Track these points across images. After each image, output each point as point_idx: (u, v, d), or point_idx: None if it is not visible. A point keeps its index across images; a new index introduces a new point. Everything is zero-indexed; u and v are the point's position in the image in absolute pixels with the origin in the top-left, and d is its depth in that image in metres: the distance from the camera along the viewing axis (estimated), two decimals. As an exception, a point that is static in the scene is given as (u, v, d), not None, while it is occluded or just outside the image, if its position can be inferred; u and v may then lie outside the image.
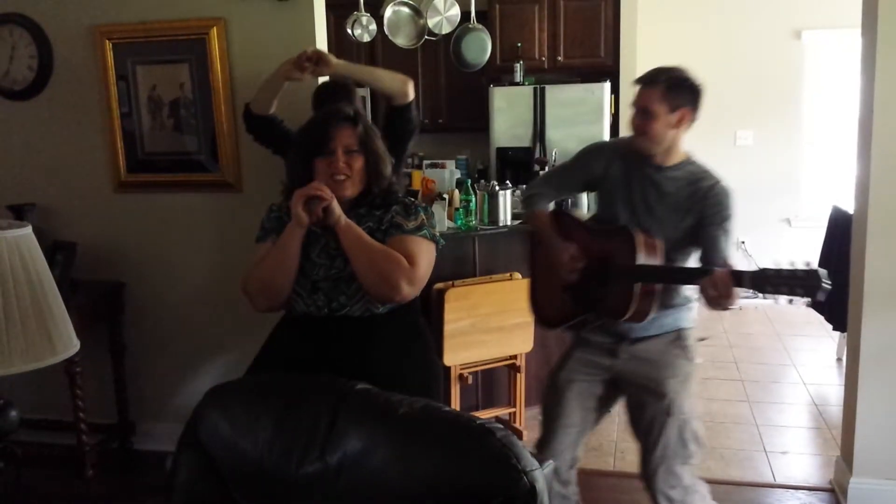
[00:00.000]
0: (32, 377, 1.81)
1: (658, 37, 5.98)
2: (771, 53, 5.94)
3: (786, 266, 1.92)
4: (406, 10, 4.60)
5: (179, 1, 3.23)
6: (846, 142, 4.98)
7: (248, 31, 3.20)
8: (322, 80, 2.99)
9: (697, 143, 2.34)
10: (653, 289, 2.16)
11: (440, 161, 5.42)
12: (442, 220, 3.61)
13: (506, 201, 3.74)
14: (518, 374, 3.62)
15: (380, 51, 6.06)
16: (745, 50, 5.96)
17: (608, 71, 5.71)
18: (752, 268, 1.98)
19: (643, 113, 2.16)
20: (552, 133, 5.58)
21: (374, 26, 4.77)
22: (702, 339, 2.44)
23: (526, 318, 3.53)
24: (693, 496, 2.37)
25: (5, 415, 1.91)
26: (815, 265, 1.91)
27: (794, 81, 6.04)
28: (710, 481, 3.15)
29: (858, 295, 2.88)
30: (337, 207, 1.98)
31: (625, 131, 5.69)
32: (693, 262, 2.28)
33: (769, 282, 1.92)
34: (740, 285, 1.96)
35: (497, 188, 3.76)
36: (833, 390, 4.30)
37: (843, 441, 3.11)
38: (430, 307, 3.30)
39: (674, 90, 2.13)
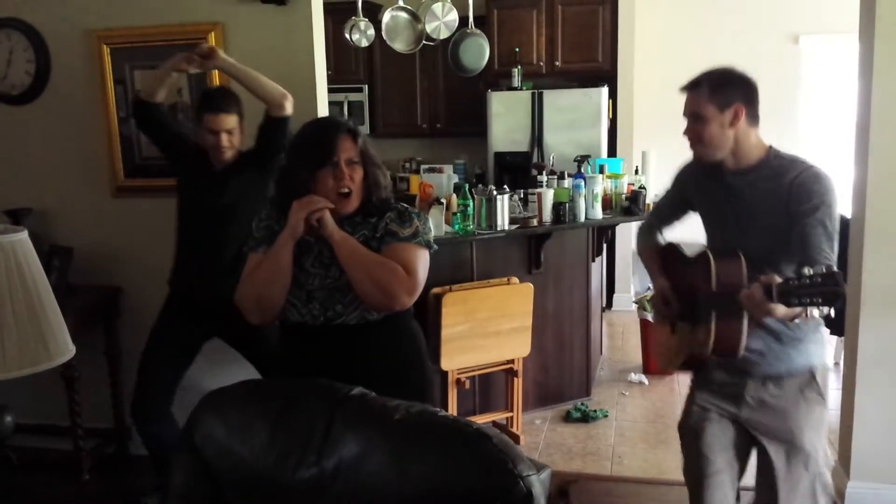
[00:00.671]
0: (28, 382, 1.80)
1: (655, 42, 6.00)
2: (769, 58, 5.94)
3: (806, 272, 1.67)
4: (404, 14, 4.61)
5: (178, 5, 3.23)
6: (843, 146, 4.99)
7: (246, 36, 3.20)
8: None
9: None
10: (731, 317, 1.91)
11: (438, 166, 5.42)
12: (439, 225, 3.61)
13: (503, 206, 3.74)
14: (515, 379, 3.62)
15: (378, 56, 6.08)
16: (742, 54, 5.90)
17: (606, 76, 5.72)
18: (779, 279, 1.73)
19: (694, 119, 2.03)
20: (550, 138, 5.59)
21: (372, 31, 4.78)
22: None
23: (523, 323, 3.54)
24: None
25: (1, 420, 1.91)
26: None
27: (792, 86, 6.05)
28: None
29: (856, 299, 2.88)
30: (331, 220, 1.98)
31: (622, 135, 5.76)
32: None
33: (793, 293, 1.66)
34: (771, 299, 1.71)
35: (495, 193, 3.76)
36: (830, 395, 4.27)
37: (841, 445, 3.10)
38: (427, 312, 3.30)
39: (719, 88, 1.99)
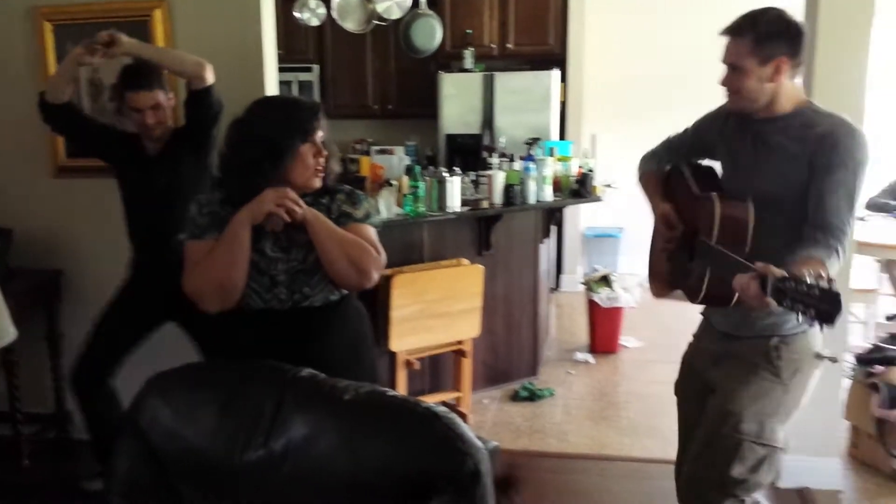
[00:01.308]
0: (-34, 366, 1.76)
1: (606, 26, 6.04)
2: (720, 43, 6.04)
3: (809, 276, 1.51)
4: (355, -7, 4.57)
5: (121, -20, 3.15)
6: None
7: (192, 14, 3.13)
8: (125, 62, 2.85)
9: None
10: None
11: (389, 147, 5.39)
12: (390, 207, 3.61)
13: (454, 188, 3.75)
14: (464, 359, 3.65)
15: (329, 35, 6.00)
16: (692, 40, 6.07)
17: (557, 59, 5.76)
18: (781, 273, 1.57)
19: (732, 69, 1.89)
20: (501, 120, 5.61)
21: (322, 10, 4.72)
22: (832, 360, 1.99)
23: (473, 304, 3.57)
24: None
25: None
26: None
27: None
28: (654, 461, 3.26)
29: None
30: (301, 203, 1.97)
31: (572, 118, 5.80)
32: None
33: (787, 294, 1.53)
34: (765, 292, 1.57)
35: (446, 175, 3.77)
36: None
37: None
38: (375, 293, 3.30)
39: (765, 40, 1.84)
